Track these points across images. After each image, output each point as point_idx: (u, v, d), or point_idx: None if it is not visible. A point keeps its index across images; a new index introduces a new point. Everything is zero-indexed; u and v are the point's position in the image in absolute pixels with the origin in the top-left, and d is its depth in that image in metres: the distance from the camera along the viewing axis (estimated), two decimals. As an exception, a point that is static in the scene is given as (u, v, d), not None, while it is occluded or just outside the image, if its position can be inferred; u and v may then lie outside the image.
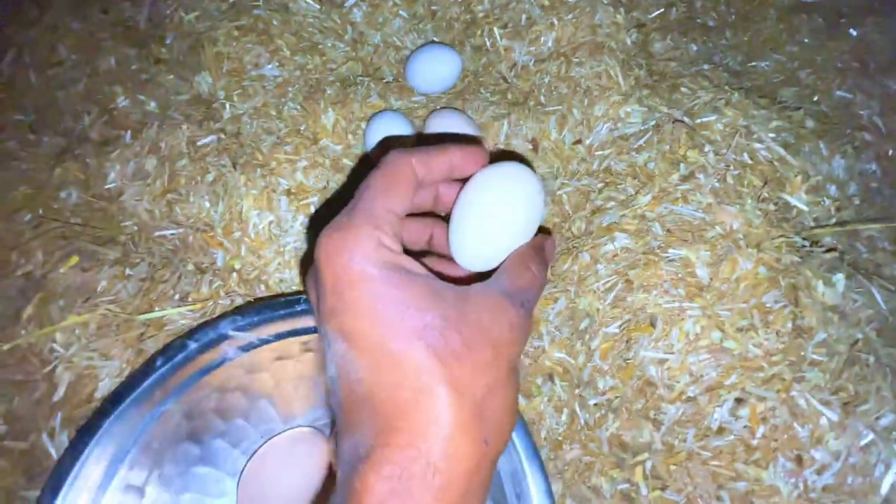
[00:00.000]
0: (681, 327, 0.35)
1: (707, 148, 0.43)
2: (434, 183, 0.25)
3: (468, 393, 0.18)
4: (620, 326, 0.38)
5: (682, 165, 0.41)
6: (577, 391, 0.40)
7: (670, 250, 0.37)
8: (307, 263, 0.45)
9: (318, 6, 0.54)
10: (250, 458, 0.33)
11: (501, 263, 0.24)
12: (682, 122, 0.45)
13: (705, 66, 0.53)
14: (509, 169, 0.25)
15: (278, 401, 0.38)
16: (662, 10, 0.57)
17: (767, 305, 0.35)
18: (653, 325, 0.36)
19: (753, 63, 0.57)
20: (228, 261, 0.44)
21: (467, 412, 0.18)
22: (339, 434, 0.20)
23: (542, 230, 0.32)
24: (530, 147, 0.50)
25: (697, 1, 0.61)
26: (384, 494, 0.17)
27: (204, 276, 0.42)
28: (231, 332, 0.32)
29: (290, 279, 0.45)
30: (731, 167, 0.42)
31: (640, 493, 0.35)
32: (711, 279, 0.35)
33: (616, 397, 0.38)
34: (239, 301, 0.42)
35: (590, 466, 0.38)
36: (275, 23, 0.51)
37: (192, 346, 0.32)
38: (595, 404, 0.39)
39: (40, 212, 0.41)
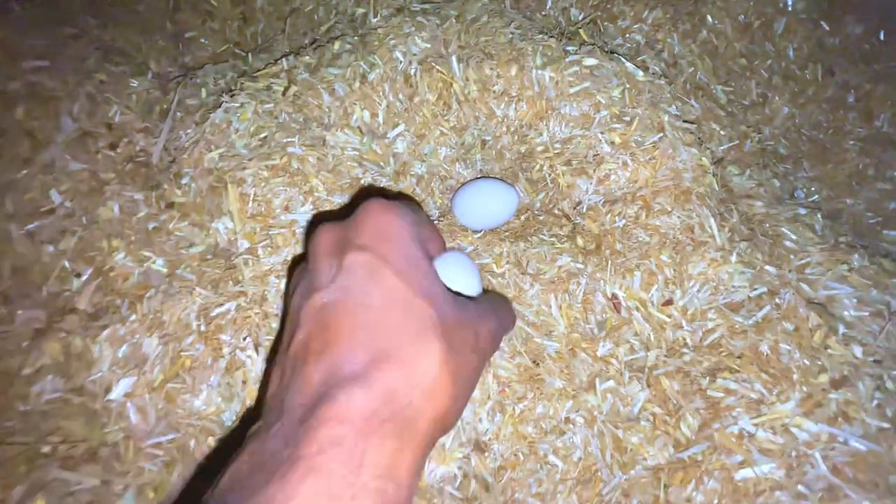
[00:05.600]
0: None
1: (842, 330, 0.35)
2: None
3: (454, 357, 0.22)
4: None
5: (825, 363, 0.33)
6: None
7: (843, 500, 0.28)
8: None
9: (357, 138, 0.48)
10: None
11: (487, 297, 0.30)
12: (805, 295, 0.37)
13: (801, 211, 0.46)
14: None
15: None
16: (736, 141, 0.52)
17: None
18: None
19: (842, 199, 0.51)
20: (241, 474, 0.34)
21: (450, 369, 0.22)
22: (295, 355, 0.22)
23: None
24: (609, 305, 0.42)
25: (766, 127, 0.56)
26: (368, 412, 0.20)
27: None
28: None
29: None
30: (885, 363, 0.33)
31: None
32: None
33: None
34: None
35: None
36: (311, 160, 0.44)
37: None
38: None
39: (7, 422, 0.31)
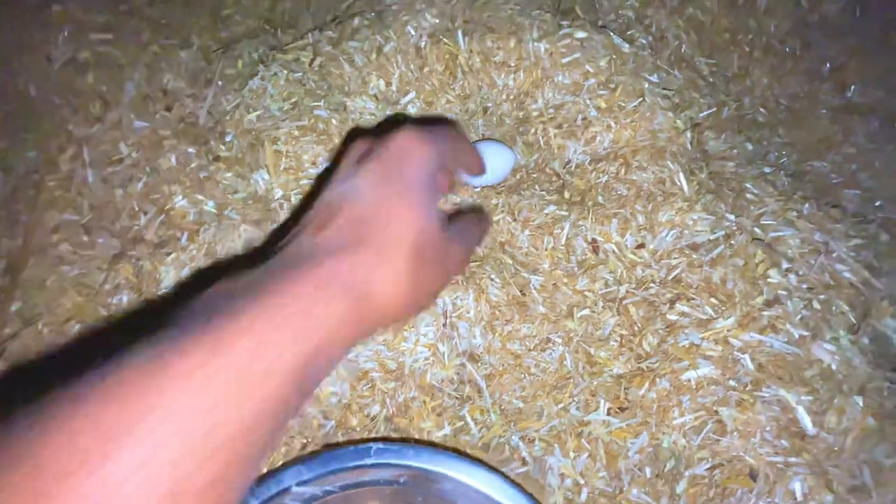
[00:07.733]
0: (786, 485, 0.32)
1: (785, 265, 0.42)
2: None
3: (421, 268, 0.26)
4: (710, 470, 0.35)
5: (764, 288, 0.39)
6: (659, 536, 0.36)
7: (765, 389, 0.35)
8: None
9: (373, 104, 0.55)
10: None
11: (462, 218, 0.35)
12: (755, 236, 0.44)
13: (766, 169, 0.52)
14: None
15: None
16: (714, 109, 0.57)
17: (878, 461, 0.32)
18: (753, 478, 0.33)
19: (810, 163, 0.56)
20: (280, 372, 0.42)
21: (412, 276, 0.26)
22: (319, 227, 0.26)
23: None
24: (589, 248, 0.49)
25: (746, 97, 0.61)
26: (343, 273, 0.24)
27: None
28: (294, 488, 0.29)
29: (342, 392, 0.42)
30: (815, 290, 0.40)
31: None
32: (818, 429, 0.32)
33: (708, 551, 0.34)
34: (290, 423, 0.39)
35: None
36: (334, 122, 0.51)
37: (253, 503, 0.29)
38: (682, 556, 0.35)
39: (89, 322, 0.40)
